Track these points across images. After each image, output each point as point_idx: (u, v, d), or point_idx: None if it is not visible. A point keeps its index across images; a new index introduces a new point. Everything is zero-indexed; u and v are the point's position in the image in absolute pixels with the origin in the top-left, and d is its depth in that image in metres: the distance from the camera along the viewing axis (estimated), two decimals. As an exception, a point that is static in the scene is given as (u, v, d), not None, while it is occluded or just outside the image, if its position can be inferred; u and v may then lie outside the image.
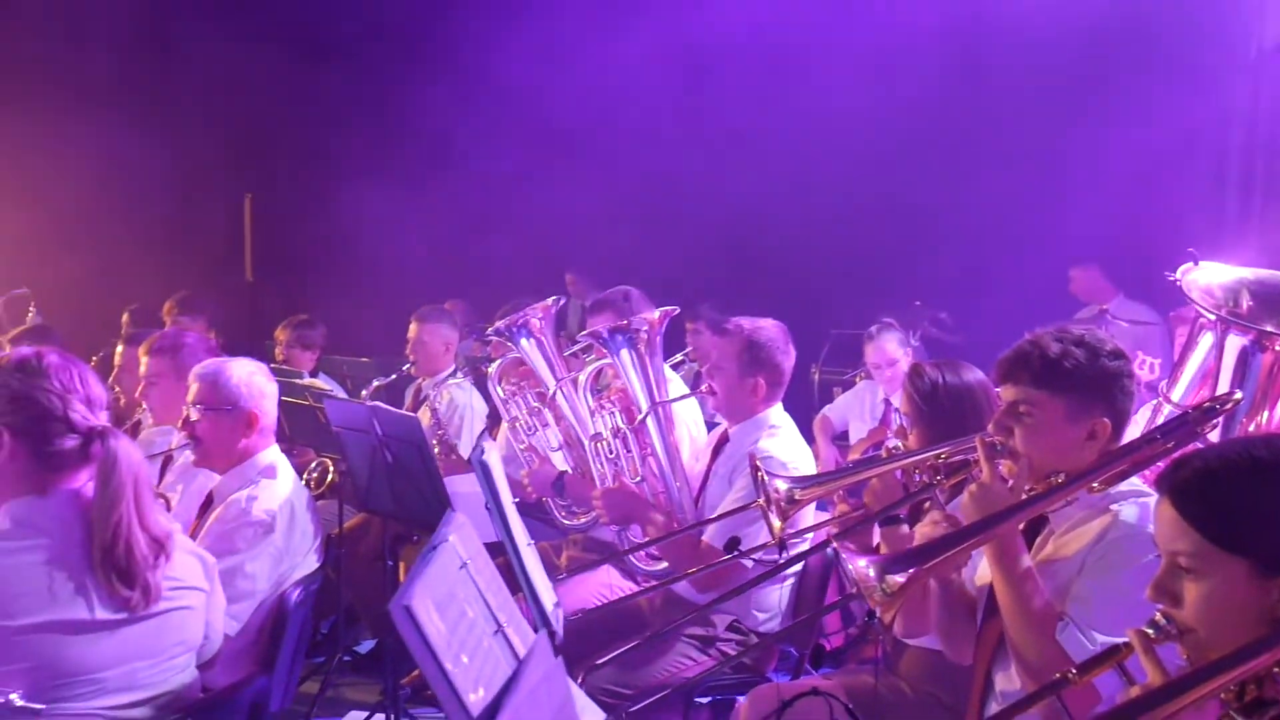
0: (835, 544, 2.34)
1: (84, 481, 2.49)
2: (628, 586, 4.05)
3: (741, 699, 3.26)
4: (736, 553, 3.19)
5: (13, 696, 2.20)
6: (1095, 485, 2.30)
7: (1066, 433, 2.33)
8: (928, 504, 2.63)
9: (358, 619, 5.37)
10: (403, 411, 4.62)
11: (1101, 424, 2.33)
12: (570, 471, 4.45)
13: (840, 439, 6.24)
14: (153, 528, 2.50)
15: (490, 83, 8.67)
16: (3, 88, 9.08)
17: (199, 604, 2.63)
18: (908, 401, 3.24)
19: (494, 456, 2.73)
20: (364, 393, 5.75)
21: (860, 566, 2.05)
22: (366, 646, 5.44)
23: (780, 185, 8.16)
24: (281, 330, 6.29)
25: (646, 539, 3.77)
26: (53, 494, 2.46)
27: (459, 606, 1.80)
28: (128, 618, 2.44)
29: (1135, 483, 2.37)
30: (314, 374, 6.11)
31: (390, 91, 9.36)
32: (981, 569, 2.50)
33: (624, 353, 3.88)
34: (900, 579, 2.04)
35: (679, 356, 6.19)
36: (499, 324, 4.65)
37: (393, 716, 4.41)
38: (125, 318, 7.22)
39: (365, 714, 4.59)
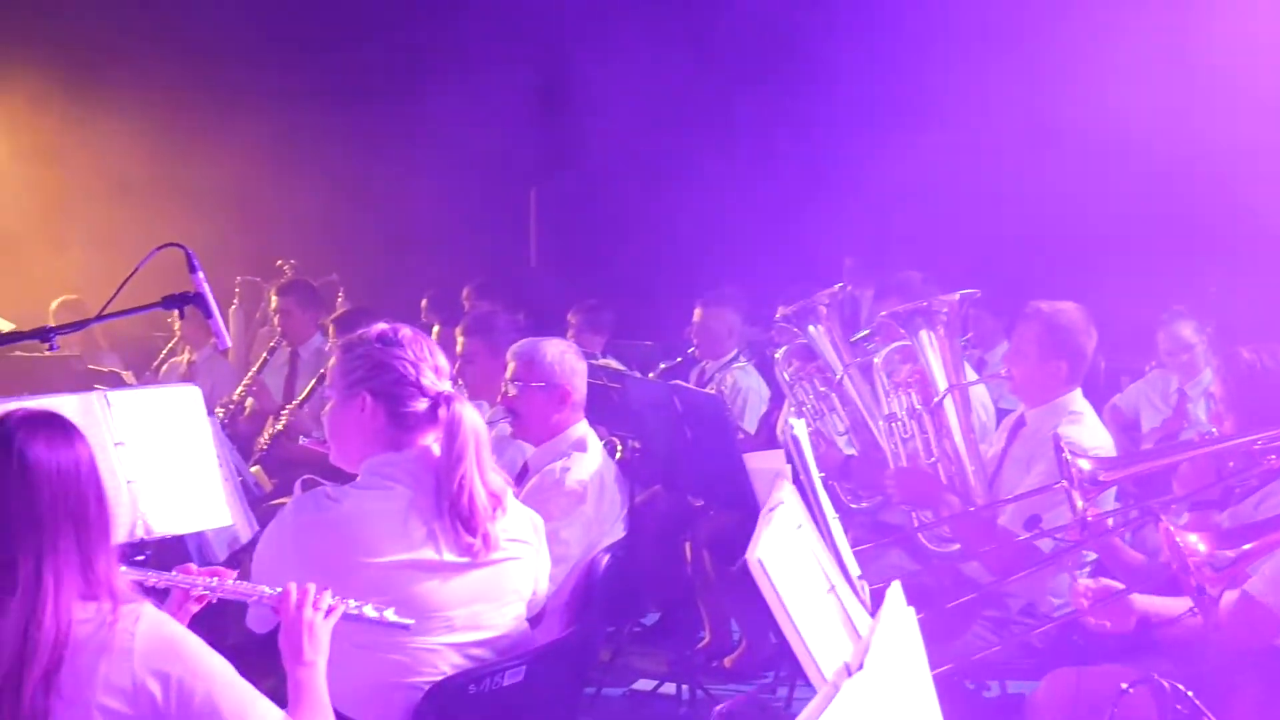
0: (1163, 520, 2.33)
1: (432, 440, 2.73)
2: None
3: (1036, 684, 3.25)
4: (1038, 530, 3.19)
5: (387, 612, 2.42)
6: None
7: None
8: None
9: (644, 592, 5.56)
10: (705, 390, 4.78)
11: None
12: (856, 455, 4.51)
13: (1130, 429, 6.04)
14: (491, 483, 2.72)
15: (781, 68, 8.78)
16: (331, 91, 9.78)
17: (530, 557, 2.84)
18: (1222, 385, 3.16)
19: (802, 430, 2.83)
20: (650, 375, 5.97)
21: (1190, 541, 2.05)
22: (652, 619, 5.64)
23: (1074, 173, 7.95)
24: (573, 314, 6.59)
25: (938, 520, 3.79)
26: (406, 450, 2.71)
27: (797, 564, 1.91)
28: (471, 562, 2.66)
29: None
30: (604, 355, 6.36)
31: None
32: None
33: (923, 334, 3.91)
34: (1231, 554, 2.03)
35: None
36: (787, 310, 4.75)
37: (681, 686, 4.59)
38: (424, 303, 7.69)
39: (654, 683, 4.80)
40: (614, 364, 5.92)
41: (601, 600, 3.47)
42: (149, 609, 2.04)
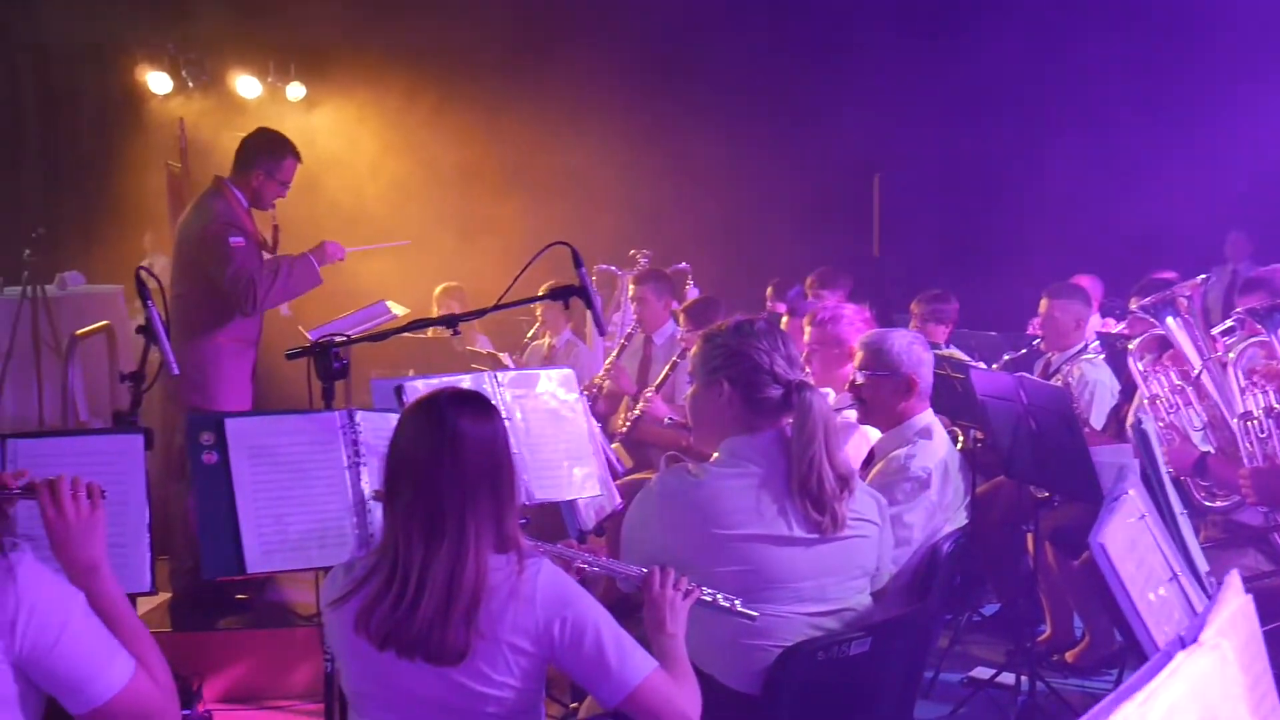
0: None
1: (784, 424, 2.94)
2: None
3: None
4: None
5: (736, 602, 2.66)
6: None
7: None
8: None
9: (984, 581, 5.59)
10: (1051, 383, 4.77)
11: None
12: (1213, 452, 4.39)
13: None
14: (839, 466, 2.90)
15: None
16: (682, 81, 10.18)
17: (874, 536, 3.01)
18: None
19: (1150, 426, 2.85)
20: (994, 366, 5.96)
21: None
22: (991, 609, 5.66)
23: None
24: (916, 304, 6.64)
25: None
26: (760, 433, 2.94)
27: (1139, 553, 1.99)
28: (819, 538, 2.86)
29: None
30: (947, 346, 6.39)
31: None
32: None
33: (1287, 331, 3.79)
34: None
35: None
36: (1144, 301, 4.66)
37: (1020, 677, 4.62)
38: (769, 290, 7.92)
39: (992, 671, 4.84)
40: (958, 355, 5.95)
41: (942, 584, 3.58)
42: (547, 563, 2.36)
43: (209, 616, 5.25)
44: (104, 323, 7.43)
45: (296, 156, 5.45)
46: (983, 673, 4.89)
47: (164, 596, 5.38)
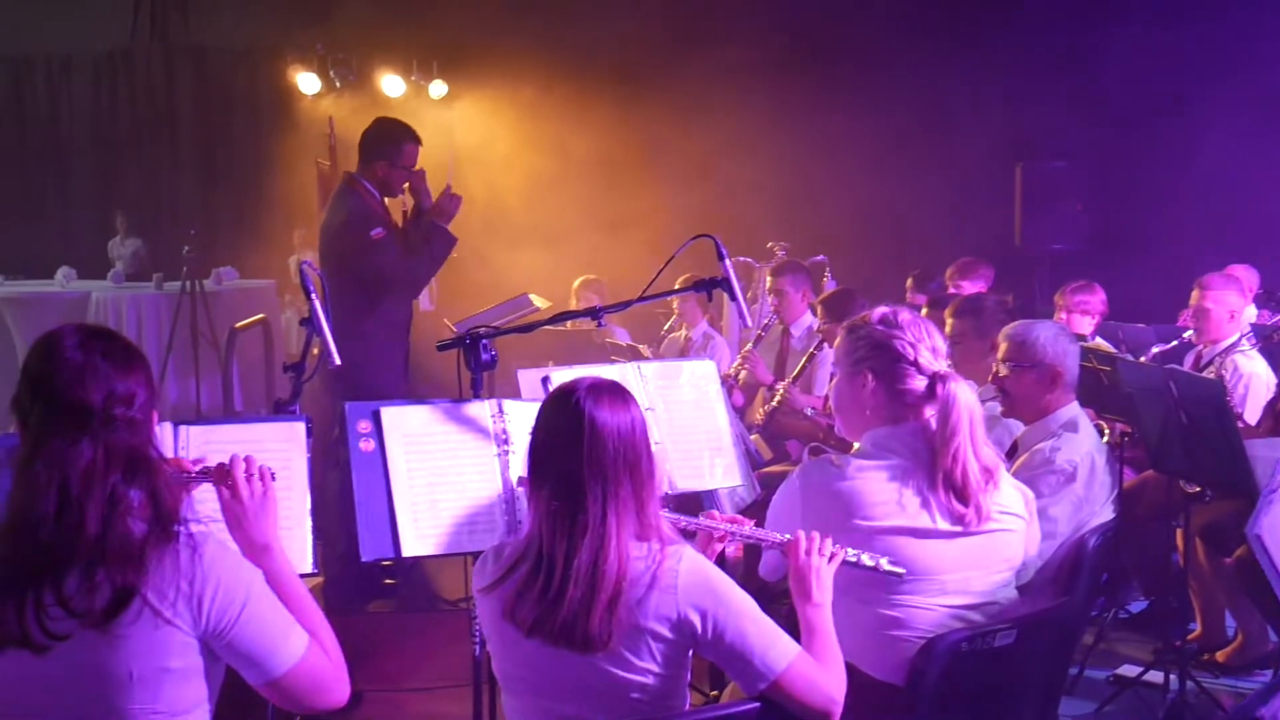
0: None
1: (929, 416, 2.94)
2: None
3: None
4: None
5: (882, 560, 2.68)
6: None
7: None
8: None
9: (1131, 577, 5.47)
10: (1202, 375, 4.66)
11: None
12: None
13: None
14: (984, 458, 2.88)
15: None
16: (812, 66, 10.13)
17: (1019, 529, 2.98)
18: None
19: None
20: (1142, 358, 5.82)
21: None
22: (1138, 606, 5.54)
23: None
24: (1060, 295, 6.52)
25: None
26: (903, 424, 2.94)
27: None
28: (962, 531, 2.85)
29: None
30: (1093, 338, 6.27)
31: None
32: None
33: None
34: None
35: None
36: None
37: (1169, 675, 4.52)
38: (908, 282, 7.85)
39: (1139, 669, 4.75)
40: (1104, 346, 5.83)
41: (1088, 580, 3.53)
42: (689, 550, 2.40)
43: (360, 600, 5.44)
44: (261, 316, 7.73)
45: (416, 140, 5.60)
46: (1129, 670, 4.79)
47: (316, 580, 5.58)
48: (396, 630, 5.18)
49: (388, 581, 5.66)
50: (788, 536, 2.62)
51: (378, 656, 4.99)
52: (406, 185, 5.57)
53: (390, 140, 5.54)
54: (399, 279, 5.35)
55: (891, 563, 2.67)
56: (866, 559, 2.65)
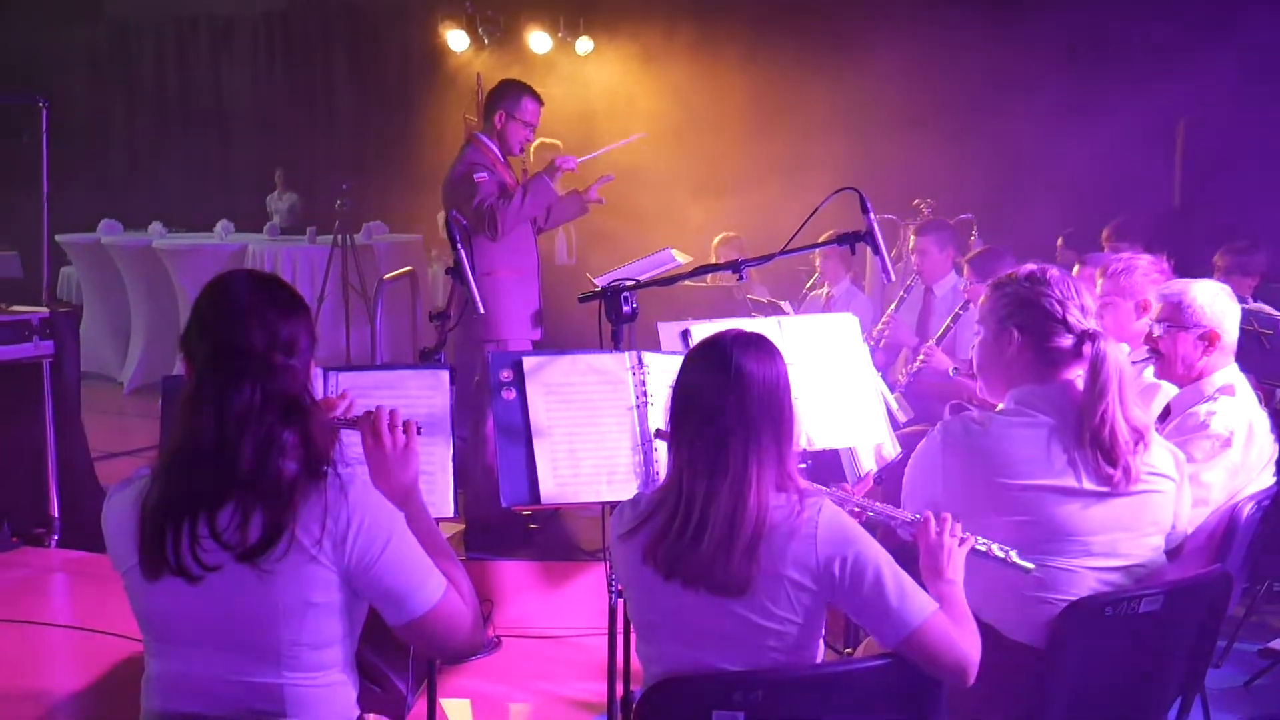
0: None
1: (1076, 375, 2.87)
2: None
3: None
4: None
5: (1011, 554, 2.63)
6: None
7: None
8: None
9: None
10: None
11: None
12: None
13: None
14: (1133, 419, 2.81)
15: None
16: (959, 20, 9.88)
17: (1170, 491, 2.90)
18: None
19: None
20: (1306, 320, 5.57)
21: None
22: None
23: None
24: (1220, 256, 6.28)
25: None
26: (1050, 382, 2.88)
27: None
28: (1110, 492, 2.78)
29: None
30: (1254, 300, 6.02)
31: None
32: None
33: None
34: None
35: None
36: None
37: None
38: (1059, 241, 7.65)
39: (1294, 645, 4.58)
40: (1266, 309, 5.59)
41: (1241, 547, 3.42)
42: (828, 502, 2.39)
43: (501, 547, 5.56)
44: (409, 268, 7.91)
45: (535, 97, 5.72)
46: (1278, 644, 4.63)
47: (458, 526, 5.73)
48: (536, 578, 5.28)
49: (531, 527, 5.78)
50: (918, 516, 2.60)
51: (517, 602, 5.10)
52: (533, 146, 5.73)
53: (509, 94, 5.72)
54: (485, 219, 5.49)
55: (1021, 556, 2.61)
56: (996, 549, 2.61)
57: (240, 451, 2.14)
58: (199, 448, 2.15)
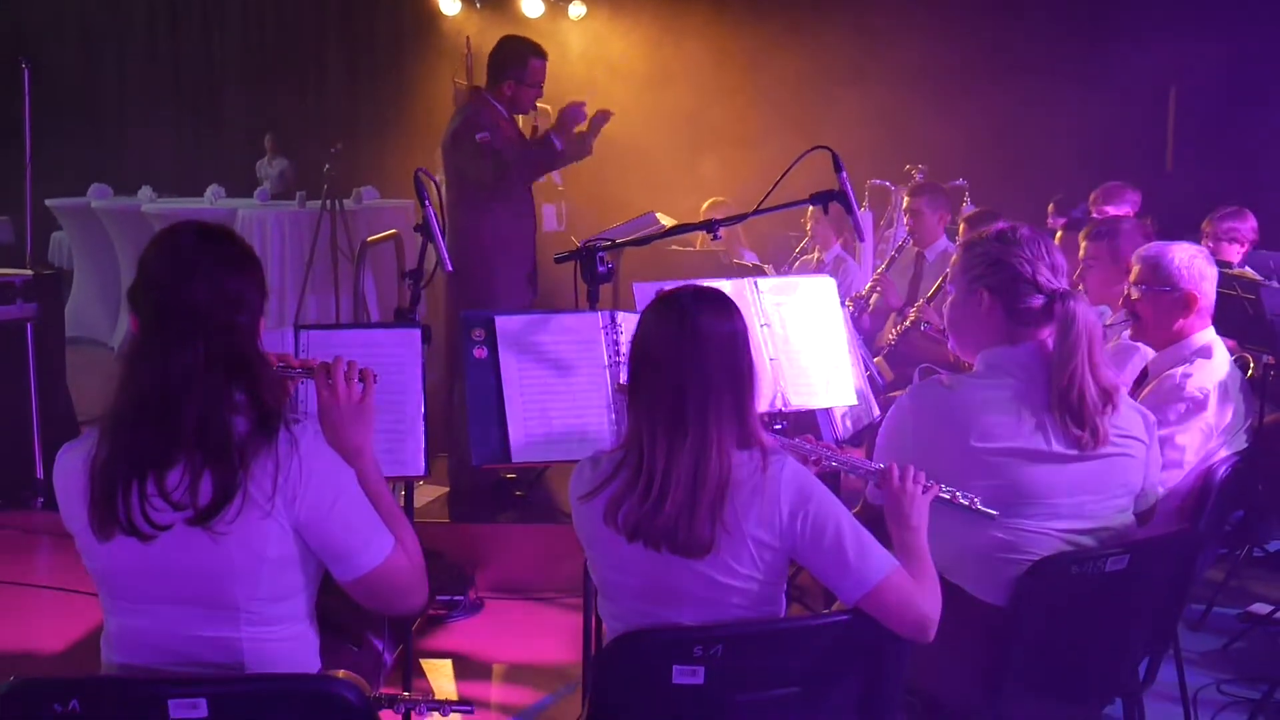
0: None
1: (1046, 336, 2.86)
2: None
3: None
4: None
5: (975, 500, 2.63)
6: None
7: None
8: None
9: (1269, 516, 5.27)
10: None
11: None
12: None
13: None
14: (1102, 379, 2.79)
15: None
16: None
17: (1139, 454, 2.89)
18: None
19: None
20: (1285, 286, 5.55)
21: None
22: (1275, 546, 5.35)
23: None
24: (1208, 222, 6.25)
25: None
26: (1020, 344, 2.86)
27: None
28: (1078, 454, 2.78)
29: None
30: (1242, 266, 6.00)
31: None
32: None
33: None
34: None
35: None
36: None
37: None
38: (1050, 207, 7.62)
39: (1270, 607, 4.60)
40: (1250, 273, 5.58)
41: (1214, 509, 3.42)
42: (791, 460, 2.38)
43: (485, 510, 5.57)
44: (393, 231, 7.88)
45: (542, 56, 5.64)
46: (1261, 609, 4.65)
47: (444, 490, 5.74)
48: (518, 540, 5.29)
49: (517, 494, 5.78)
50: (881, 466, 2.58)
51: (500, 564, 5.11)
52: (538, 107, 5.67)
53: (516, 58, 5.60)
54: (484, 171, 5.43)
55: (984, 504, 2.61)
56: (960, 497, 2.61)
57: (184, 410, 2.11)
58: (143, 406, 2.13)
